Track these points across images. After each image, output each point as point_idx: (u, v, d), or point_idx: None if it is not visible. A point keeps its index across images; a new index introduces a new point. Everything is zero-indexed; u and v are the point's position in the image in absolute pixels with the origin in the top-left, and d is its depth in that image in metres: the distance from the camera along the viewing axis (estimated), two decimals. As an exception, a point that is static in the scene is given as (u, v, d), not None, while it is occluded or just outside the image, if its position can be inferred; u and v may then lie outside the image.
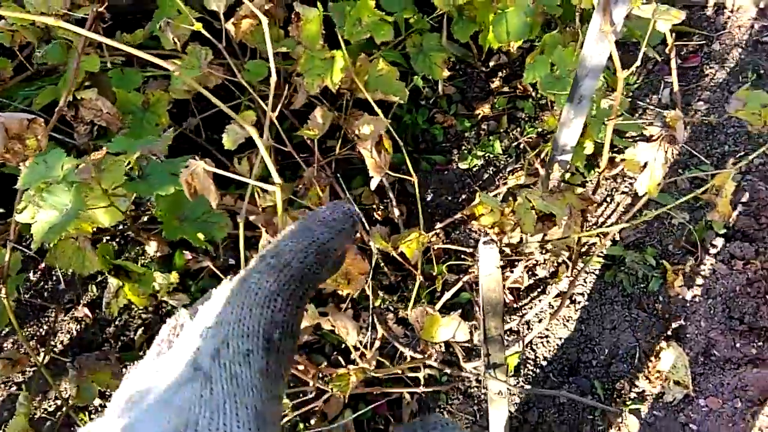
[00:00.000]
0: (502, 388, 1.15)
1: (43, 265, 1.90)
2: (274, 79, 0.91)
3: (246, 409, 0.26)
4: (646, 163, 1.25)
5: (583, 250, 1.74)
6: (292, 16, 1.40)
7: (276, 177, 0.78)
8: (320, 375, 1.11)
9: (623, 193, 1.86)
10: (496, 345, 1.10)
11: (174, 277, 1.17)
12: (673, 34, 1.77)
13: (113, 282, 1.09)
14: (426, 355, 1.20)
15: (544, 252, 1.72)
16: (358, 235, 1.52)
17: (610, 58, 1.17)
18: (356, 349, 1.11)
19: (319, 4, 1.38)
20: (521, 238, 1.79)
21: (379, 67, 1.55)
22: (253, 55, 1.71)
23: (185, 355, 0.28)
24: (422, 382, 1.22)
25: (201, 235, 1.16)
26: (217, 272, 1.45)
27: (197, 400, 0.26)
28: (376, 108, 1.40)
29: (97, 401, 1.61)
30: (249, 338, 0.28)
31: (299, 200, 1.41)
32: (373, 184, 1.19)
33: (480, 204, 1.33)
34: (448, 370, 1.37)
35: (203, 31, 1.30)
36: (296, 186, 1.49)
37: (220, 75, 1.51)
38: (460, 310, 1.14)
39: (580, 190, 1.87)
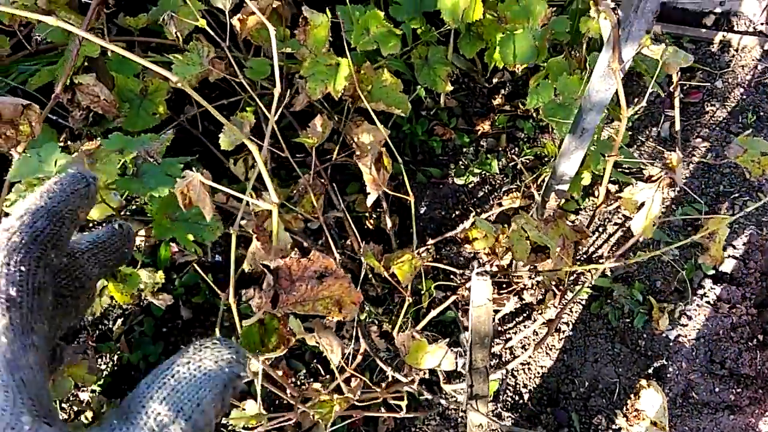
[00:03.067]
0: (482, 421, 1.14)
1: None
2: (278, 90, 0.89)
3: None
4: (642, 203, 1.24)
5: (571, 278, 1.74)
6: (300, 20, 1.37)
7: (274, 196, 0.76)
8: (303, 398, 1.08)
9: (615, 224, 1.85)
10: (480, 376, 1.08)
11: (160, 276, 1.14)
12: (678, 71, 1.77)
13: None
14: (409, 380, 1.18)
15: (532, 277, 1.71)
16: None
17: (616, 93, 1.16)
18: (341, 371, 1.09)
19: (327, 10, 1.35)
20: (512, 261, 1.78)
21: (383, 78, 1.53)
22: (256, 52, 1.69)
23: None
24: (404, 409, 1.20)
25: (191, 236, 1.14)
26: (198, 269, 1.42)
27: None
28: (375, 119, 1.38)
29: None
30: None
31: (292, 206, 1.39)
32: (370, 201, 1.17)
33: (475, 228, 1.31)
34: (428, 396, 1.36)
35: (207, 29, 1.28)
36: (291, 192, 1.47)
37: (222, 70, 1.48)
38: (447, 339, 1.12)
39: (573, 217, 1.86)
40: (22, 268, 0.32)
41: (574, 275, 1.71)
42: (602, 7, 1.00)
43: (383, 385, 1.31)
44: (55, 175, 0.37)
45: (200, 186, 0.76)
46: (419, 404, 1.59)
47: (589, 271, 1.63)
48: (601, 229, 1.86)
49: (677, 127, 1.37)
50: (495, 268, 1.77)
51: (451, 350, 1.04)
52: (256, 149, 0.73)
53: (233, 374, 0.33)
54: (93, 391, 1.62)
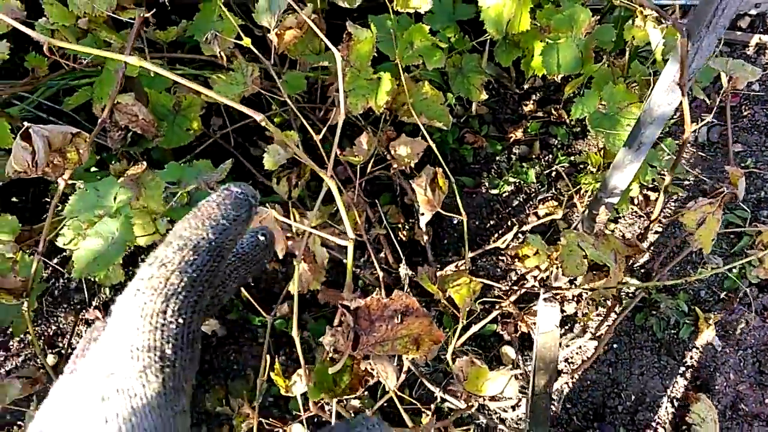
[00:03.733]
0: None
1: (54, 261, 1.84)
2: (342, 115, 0.86)
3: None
4: (703, 219, 1.21)
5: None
6: (344, 36, 1.34)
7: (350, 232, 0.73)
8: None
9: (656, 232, 1.82)
10: (543, 402, 1.05)
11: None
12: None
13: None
14: (468, 406, 1.15)
15: (572, 289, 1.68)
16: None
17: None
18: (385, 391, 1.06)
19: (372, 25, 1.32)
20: (550, 273, 1.75)
21: (423, 90, 1.50)
22: (291, 65, 1.66)
23: (87, 380, 0.28)
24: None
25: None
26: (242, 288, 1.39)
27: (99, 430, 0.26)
28: (424, 131, 1.35)
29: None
30: (140, 359, 0.27)
31: (335, 225, 1.36)
32: (423, 221, 1.14)
33: (526, 245, 1.28)
34: (483, 420, 1.33)
35: (252, 47, 1.25)
36: (333, 209, 1.44)
37: (258, 86, 1.45)
38: (502, 366, 1.09)
39: (612, 226, 1.83)
40: (180, 320, 0.29)
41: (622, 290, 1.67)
42: (670, 22, 0.96)
43: (433, 407, 1.28)
44: (216, 193, 0.32)
45: (274, 222, 0.73)
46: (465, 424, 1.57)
47: (647, 288, 1.59)
48: (640, 237, 1.82)
49: (730, 137, 1.33)
50: (537, 282, 1.74)
51: (516, 378, 1.01)
52: (334, 184, 0.71)
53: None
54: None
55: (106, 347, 0.28)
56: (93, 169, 1.61)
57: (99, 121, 1.07)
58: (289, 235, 1.43)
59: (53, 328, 1.76)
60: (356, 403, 1.71)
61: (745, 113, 2.02)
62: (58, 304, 1.79)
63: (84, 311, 1.76)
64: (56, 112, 1.83)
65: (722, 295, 1.70)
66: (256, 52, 1.28)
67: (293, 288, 1.20)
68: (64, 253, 1.77)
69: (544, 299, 0.96)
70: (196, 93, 1.57)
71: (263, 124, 0.62)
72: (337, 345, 0.75)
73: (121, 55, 0.59)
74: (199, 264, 0.30)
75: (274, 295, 1.80)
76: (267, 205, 0.77)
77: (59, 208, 1.08)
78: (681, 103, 1.08)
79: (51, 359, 1.70)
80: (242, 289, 1.73)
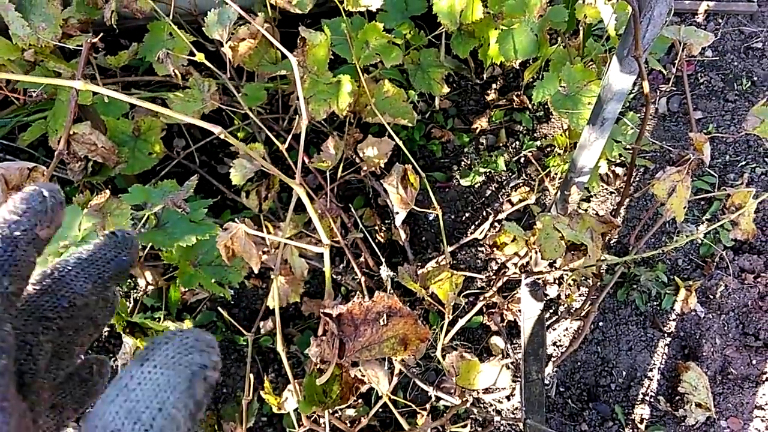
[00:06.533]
0: None
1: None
2: (305, 122, 0.85)
3: None
4: (674, 187, 1.22)
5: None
6: (298, 41, 1.33)
7: (324, 238, 0.72)
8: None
9: (628, 207, 1.83)
10: (537, 388, 1.05)
11: (188, 325, 1.09)
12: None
13: (129, 342, 1.00)
14: (463, 401, 1.15)
15: (552, 272, 1.68)
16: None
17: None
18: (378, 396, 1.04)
19: (326, 28, 1.31)
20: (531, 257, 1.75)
21: (384, 89, 1.49)
22: (249, 78, 1.64)
23: None
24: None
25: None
26: (222, 312, 1.37)
27: None
28: (390, 130, 1.34)
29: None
30: None
31: (311, 234, 1.34)
32: (399, 220, 1.13)
33: (504, 232, 1.28)
34: (479, 414, 1.32)
35: (206, 62, 1.23)
36: (306, 218, 1.42)
37: (217, 101, 1.43)
38: (492, 357, 1.08)
39: (585, 205, 1.84)
40: None
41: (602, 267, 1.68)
42: (620, -3, 0.97)
43: (428, 406, 1.27)
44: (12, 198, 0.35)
45: (245, 237, 0.72)
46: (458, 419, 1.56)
47: (626, 262, 1.60)
48: (613, 213, 1.83)
49: (690, 105, 1.35)
50: (518, 270, 1.74)
51: (507, 367, 1.01)
52: (303, 191, 0.69)
53: (197, 366, 0.29)
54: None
55: None
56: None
57: (56, 153, 1.04)
58: (264, 249, 1.41)
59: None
60: (351, 412, 1.69)
61: (702, 80, 2.05)
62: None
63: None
64: (13, 150, 1.78)
65: (699, 262, 1.72)
66: (211, 67, 1.26)
67: (272, 302, 1.18)
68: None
69: (527, 284, 0.95)
70: (154, 114, 1.54)
71: (222, 137, 0.60)
72: (324, 355, 0.74)
73: (68, 81, 0.57)
74: None
75: (257, 312, 1.77)
76: (237, 219, 0.75)
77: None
78: (639, 75, 1.08)
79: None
80: (222, 309, 1.70)
